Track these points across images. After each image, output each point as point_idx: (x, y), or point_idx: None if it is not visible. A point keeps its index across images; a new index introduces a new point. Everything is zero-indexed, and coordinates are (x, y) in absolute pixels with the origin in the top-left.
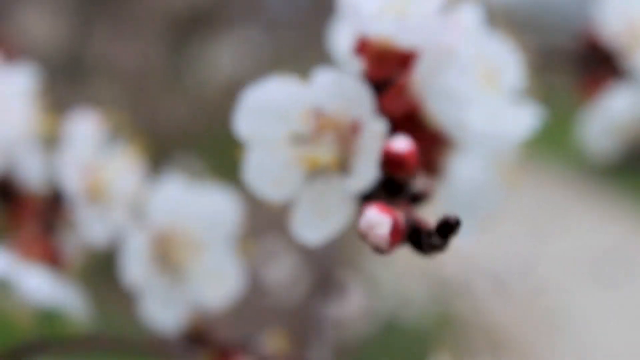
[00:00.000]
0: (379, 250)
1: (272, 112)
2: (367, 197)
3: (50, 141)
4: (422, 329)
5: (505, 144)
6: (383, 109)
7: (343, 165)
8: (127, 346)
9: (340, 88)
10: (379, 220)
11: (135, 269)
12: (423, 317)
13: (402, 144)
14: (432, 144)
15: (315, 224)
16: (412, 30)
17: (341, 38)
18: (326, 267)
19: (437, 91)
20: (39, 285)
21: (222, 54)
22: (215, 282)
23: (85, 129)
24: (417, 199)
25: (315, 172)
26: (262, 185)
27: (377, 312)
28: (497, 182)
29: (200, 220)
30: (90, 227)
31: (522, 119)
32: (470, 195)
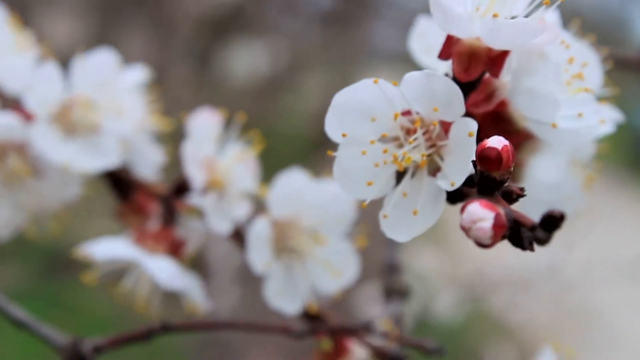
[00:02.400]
0: (481, 244)
1: (364, 112)
2: (458, 196)
3: (164, 135)
4: (453, 326)
5: (587, 143)
6: (470, 110)
7: (433, 164)
8: (246, 327)
9: (430, 88)
10: (483, 215)
11: (259, 255)
12: (454, 315)
13: (499, 141)
14: (516, 143)
15: (406, 223)
16: (503, 31)
17: (424, 39)
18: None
19: (526, 91)
20: (163, 269)
21: (254, 52)
22: (334, 270)
23: (206, 124)
24: (511, 195)
25: (405, 172)
26: (353, 185)
27: (409, 310)
28: (577, 180)
29: (321, 211)
30: (215, 218)
31: (604, 119)
32: (550, 193)
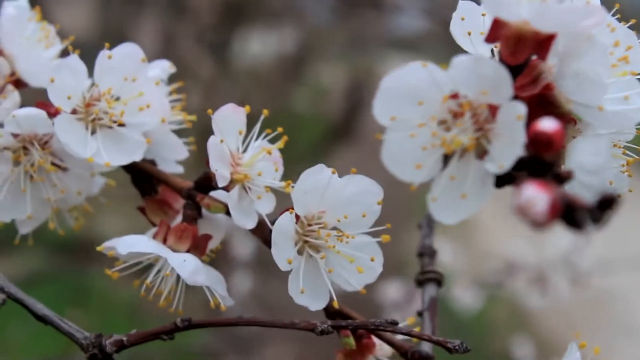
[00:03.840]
0: (536, 225)
1: (412, 96)
2: (506, 180)
3: (189, 129)
4: (471, 312)
5: (631, 126)
6: (517, 93)
7: (480, 148)
8: (269, 324)
9: (478, 72)
10: (538, 196)
11: (283, 251)
12: (471, 302)
13: (550, 124)
14: (563, 126)
15: (454, 205)
16: (552, 15)
17: (465, 23)
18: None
19: (573, 75)
20: (187, 264)
21: (271, 37)
22: (359, 266)
23: (230, 119)
24: (561, 178)
25: (453, 155)
26: (402, 168)
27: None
28: (618, 164)
29: (345, 206)
30: (239, 214)
31: None
32: (592, 176)
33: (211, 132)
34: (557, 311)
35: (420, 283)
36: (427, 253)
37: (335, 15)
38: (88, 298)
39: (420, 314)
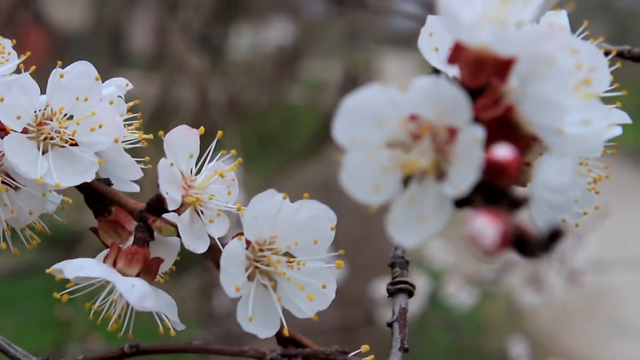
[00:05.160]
0: (486, 255)
1: (372, 118)
2: (465, 202)
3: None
4: (463, 310)
5: (595, 147)
6: (478, 115)
7: (439, 170)
8: (219, 352)
9: (437, 94)
10: (488, 227)
11: (232, 277)
12: (465, 298)
13: (505, 151)
14: (523, 149)
15: (413, 228)
16: (511, 38)
17: (432, 38)
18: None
19: (533, 98)
20: (135, 290)
21: (264, 31)
22: (310, 293)
23: (183, 141)
24: (516, 204)
25: (412, 177)
26: (360, 189)
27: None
28: (584, 182)
29: (298, 232)
30: (190, 237)
31: (612, 123)
32: (557, 195)
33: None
34: (552, 309)
35: (391, 293)
36: (399, 263)
37: (331, 10)
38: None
39: (390, 324)
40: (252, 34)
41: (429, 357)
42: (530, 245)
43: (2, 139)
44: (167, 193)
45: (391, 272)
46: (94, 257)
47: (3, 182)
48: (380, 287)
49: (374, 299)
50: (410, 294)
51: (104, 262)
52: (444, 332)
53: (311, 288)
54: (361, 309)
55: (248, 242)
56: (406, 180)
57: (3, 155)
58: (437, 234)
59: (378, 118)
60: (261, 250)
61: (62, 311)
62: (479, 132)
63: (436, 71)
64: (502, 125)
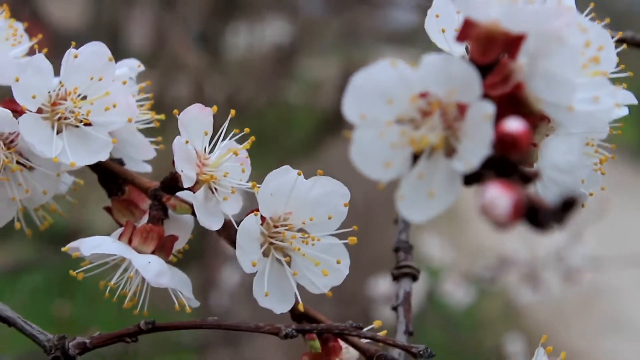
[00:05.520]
0: (498, 226)
1: (381, 94)
2: (474, 178)
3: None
4: (460, 307)
5: (602, 126)
6: (487, 92)
7: (449, 147)
8: (234, 327)
9: (447, 71)
10: (502, 197)
11: (248, 252)
12: (462, 298)
13: (516, 124)
14: (531, 125)
15: (422, 204)
16: (521, 15)
17: (439, 20)
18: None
19: (543, 75)
20: (151, 266)
21: (262, 29)
22: (324, 268)
23: (197, 120)
24: (527, 178)
25: (422, 154)
26: (370, 166)
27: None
28: (590, 162)
29: (311, 208)
30: (204, 215)
31: (619, 102)
32: (564, 174)
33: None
34: (549, 307)
35: (396, 278)
36: (403, 248)
37: (329, 7)
38: (76, 287)
39: (394, 308)
40: (249, 32)
41: None
42: (543, 215)
43: (17, 119)
44: (182, 171)
45: (395, 256)
46: None
47: (18, 162)
48: (378, 284)
49: (372, 297)
50: (414, 278)
51: (119, 240)
52: (441, 329)
53: (325, 263)
54: (359, 306)
55: (263, 219)
56: (415, 157)
57: (18, 135)
58: (446, 209)
59: (388, 95)
60: (275, 227)
61: (60, 307)
62: (489, 107)
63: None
64: (511, 102)
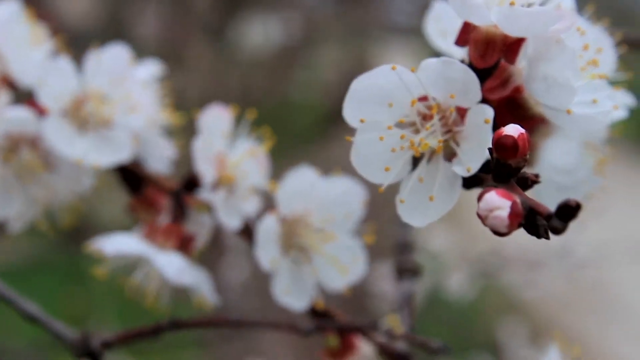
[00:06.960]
0: (497, 232)
1: (381, 98)
2: (474, 182)
3: (176, 130)
4: (465, 303)
5: (601, 128)
6: (486, 96)
7: (449, 150)
8: (254, 324)
9: (447, 75)
10: (499, 204)
11: (267, 251)
12: (466, 292)
13: (515, 129)
14: (531, 128)
15: (422, 208)
16: (520, 19)
17: (439, 23)
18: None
19: (542, 78)
20: (172, 265)
21: (269, 25)
22: (342, 267)
23: (217, 120)
24: (526, 182)
25: (422, 157)
26: (370, 170)
27: (422, 287)
28: (589, 164)
29: (329, 208)
30: (224, 214)
31: (618, 104)
32: (563, 176)
33: (198, 133)
34: (552, 298)
35: (399, 274)
36: (405, 245)
37: (335, 2)
38: (86, 285)
39: (399, 305)
40: (258, 26)
41: None
42: (541, 223)
43: (41, 119)
44: (201, 171)
45: (398, 253)
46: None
47: (42, 163)
48: (376, 281)
49: (370, 293)
50: (416, 274)
51: (141, 239)
52: (444, 323)
53: (343, 261)
54: (357, 304)
55: (281, 217)
56: (415, 161)
57: (42, 136)
58: (446, 213)
59: (388, 98)
60: (294, 225)
61: (72, 303)
62: (489, 111)
63: (439, 56)
64: (510, 106)
